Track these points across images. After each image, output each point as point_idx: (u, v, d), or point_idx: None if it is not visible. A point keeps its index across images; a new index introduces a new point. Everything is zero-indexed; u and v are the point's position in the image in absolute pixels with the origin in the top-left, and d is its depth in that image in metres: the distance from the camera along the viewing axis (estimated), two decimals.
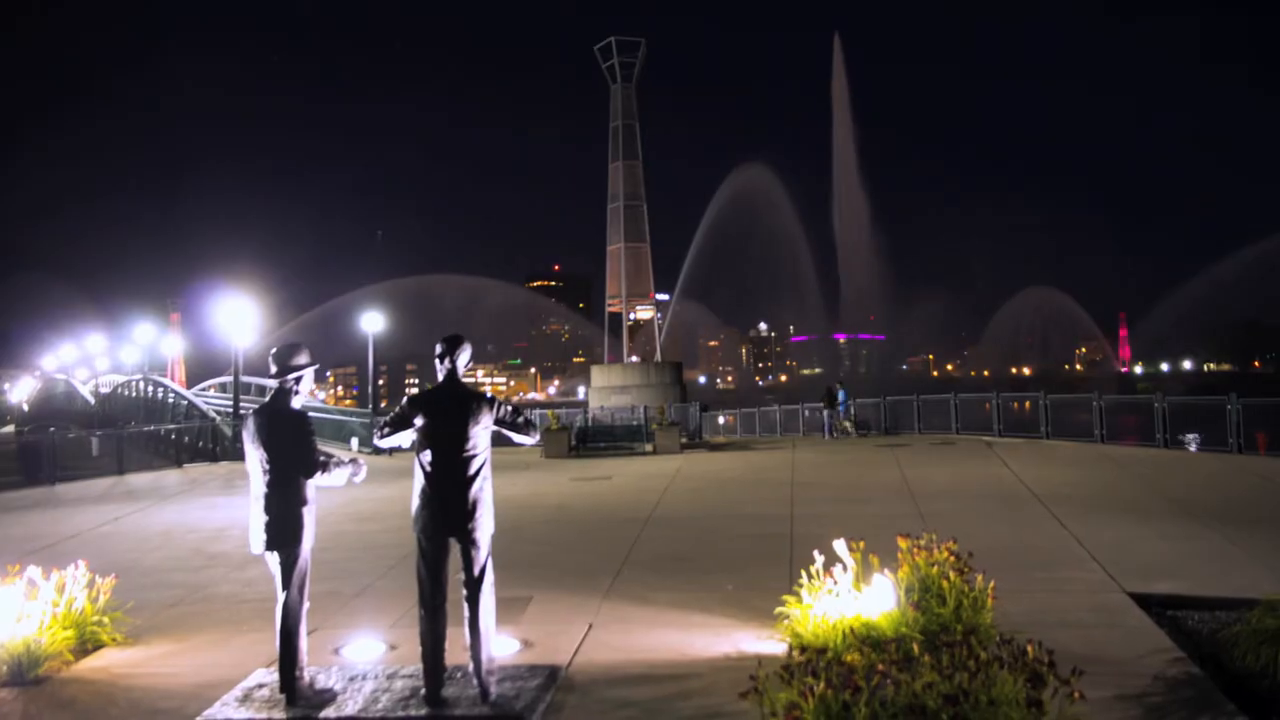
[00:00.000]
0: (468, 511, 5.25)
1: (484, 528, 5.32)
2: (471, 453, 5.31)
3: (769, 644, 6.22)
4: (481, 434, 5.37)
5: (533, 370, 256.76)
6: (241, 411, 31.10)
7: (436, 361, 5.51)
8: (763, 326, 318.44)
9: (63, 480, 21.18)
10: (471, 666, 5.31)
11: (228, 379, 43.33)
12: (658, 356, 53.59)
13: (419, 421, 5.37)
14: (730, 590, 8.02)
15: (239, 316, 29.70)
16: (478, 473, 5.32)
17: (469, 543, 5.29)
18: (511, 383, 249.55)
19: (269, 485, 5.35)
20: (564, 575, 8.96)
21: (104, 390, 58.21)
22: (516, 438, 5.59)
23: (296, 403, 5.55)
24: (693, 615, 7.24)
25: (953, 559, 6.21)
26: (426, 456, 5.32)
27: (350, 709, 5.19)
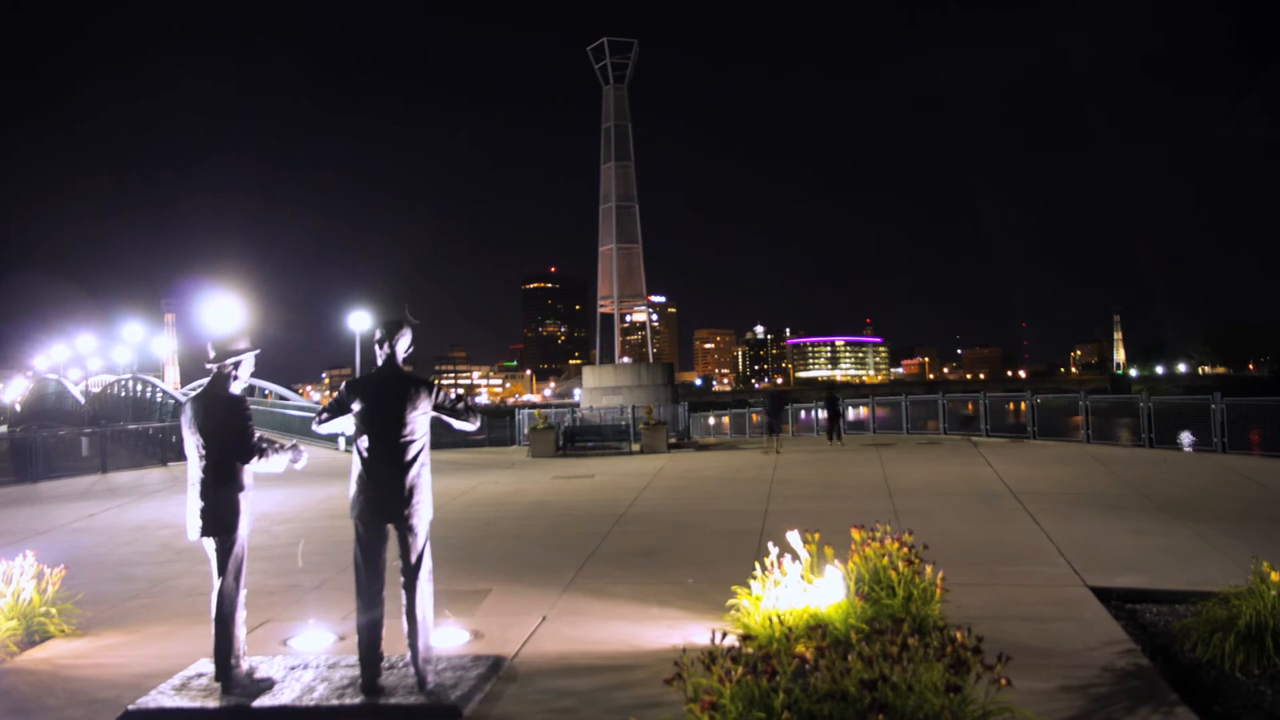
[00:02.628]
0: (404, 498, 5.19)
1: (421, 514, 5.26)
2: (409, 438, 5.24)
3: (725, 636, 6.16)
4: (420, 420, 5.31)
5: (528, 372, 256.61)
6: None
7: (375, 346, 5.45)
8: (759, 329, 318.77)
9: (47, 478, 21.22)
10: (409, 655, 5.25)
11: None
12: (650, 358, 53.60)
13: (356, 407, 5.31)
14: (691, 584, 7.96)
15: (227, 315, 29.63)
16: (415, 458, 5.25)
17: (406, 529, 5.22)
18: (507, 384, 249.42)
19: (205, 471, 5.29)
20: (528, 569, 8.89)
21: (94, 390, 58.05)
22: (457, 424, 5.53)
23: (236, 388, 5.49)
24: (649, 608, 7.18)
25: (905, 550, 6.15)
26: (364, 442, 5.26)
27: (285, 697, 5.12)
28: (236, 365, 5.46)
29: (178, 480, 20.16)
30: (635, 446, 25.46)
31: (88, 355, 66.17)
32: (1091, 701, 4.91)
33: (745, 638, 4.07)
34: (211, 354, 5.45)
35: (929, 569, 5.99)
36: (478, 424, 5.66)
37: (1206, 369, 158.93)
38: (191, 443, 5.36)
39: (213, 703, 5.09)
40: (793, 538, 6.24)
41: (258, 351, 5.56)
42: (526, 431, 28.09)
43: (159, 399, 37.57)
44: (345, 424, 5.41)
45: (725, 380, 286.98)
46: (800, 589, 5.80)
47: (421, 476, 5.28)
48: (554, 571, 8.66)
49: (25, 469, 21.67)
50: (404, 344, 5.49)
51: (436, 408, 5.40)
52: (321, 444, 26.84)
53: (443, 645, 6.24)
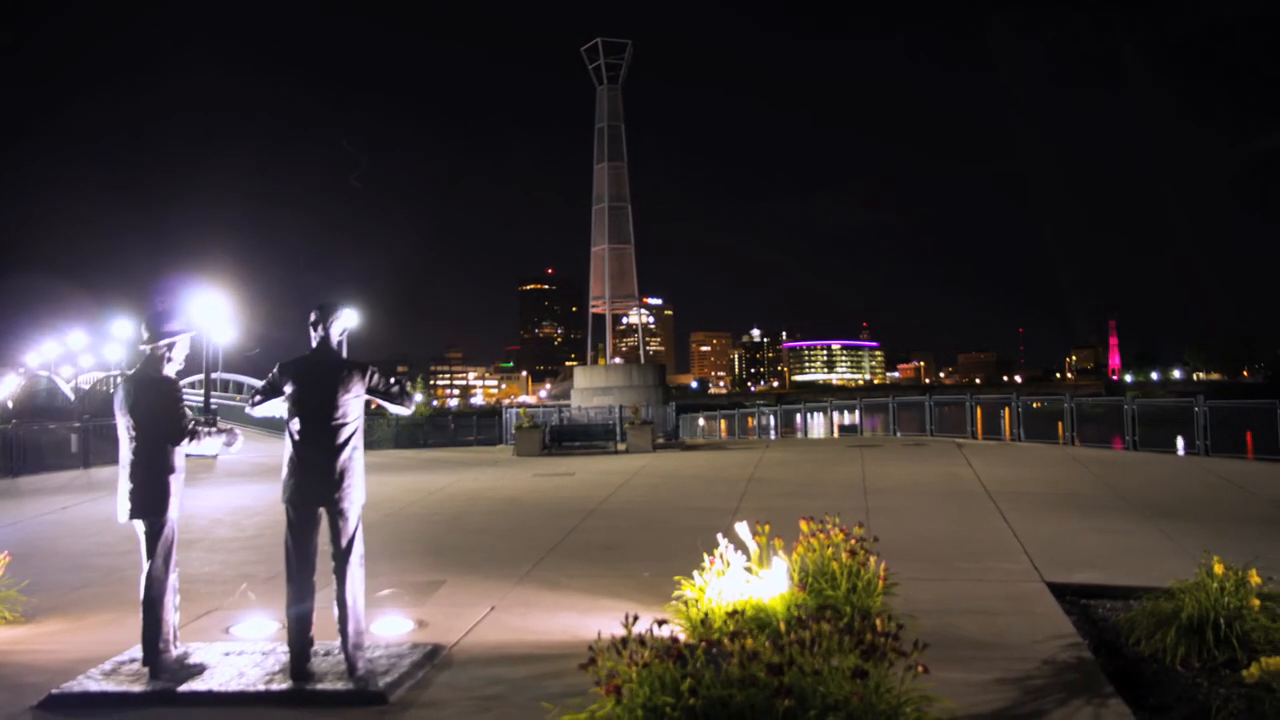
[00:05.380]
0: (335, 481, 5.13)
1: (352, 498, 5.20)
2: (341, 421, 5.19)
3: (667, 628, 6.09)
4: (352, 403, 5.25)
5: (524, 373, 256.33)
6: (212, 407, 30.99)
7: (310, 329, 5.39)
8: (755, 332, 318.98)
9: (29, 473, 21.25)
10: (339, 641, 5.19)
11: (212, 375, 42.99)
12: (642, 359, 53.67)
13: (288, 389, 5.26)
14: (647, 577, 7.89)
15: (214, 312, 29.55)
16: (347, 441, 5.20)
17: (336, 513, 5.17)
18: (503, 385, 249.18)
19: (135, 452, 5.24)
20: (487, 562, 8.84)
21: (84, 387, 57.95)
22: (391, 407, 5.48)
23: (170, 370, 5.43)
24: (601, 600, 7.12)
25: (852, 542, 6.09)
26: (295, 425, 5.21)
27: (213, 682, 5.05)
28: (170, 347, 5.40)
29: None
30: (621, 446, 25.43)
31: (79, 352, 66.05)
32: (1025, 693, 4.86)
33: (661, 622, 4.00)
34: (145, 335, 5.39)
35: (873, 560, 5.94)
36: (412, 408, 5.62)
37: (1201, 375, 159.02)
38: (122, 424, 5.31)
39: (138, 687, 5.02)
40: (741, 529, 6.19)
41: (193, 334, 5.51)
42: (513, 430, 28.05)
43: None
44: (279, 407, 5.35)
45: (721, 383, 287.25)
46: (743, 580, 5.74)
47: (353, 460, 5.22)
48: (512, 564, 8.61)
49: (7, 463, 21.73)
50: (339, 326, 5.43)
51: (370, 390, 5.35)
52: None
53: (386, 634, 6.21)
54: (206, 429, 5.38)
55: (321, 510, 5.22)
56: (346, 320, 5.48)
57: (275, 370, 5.36)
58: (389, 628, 6.32)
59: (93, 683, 5.12)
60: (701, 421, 41.04)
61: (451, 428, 37.08)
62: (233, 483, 18.26)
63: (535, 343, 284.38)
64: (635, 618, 4.00)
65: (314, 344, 5.38)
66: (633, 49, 47.54)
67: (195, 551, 10.03)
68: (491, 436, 34.24)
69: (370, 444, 31.43)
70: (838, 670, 3.59)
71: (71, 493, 16.88)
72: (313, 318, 5.38)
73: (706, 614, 4.54)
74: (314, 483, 5.14)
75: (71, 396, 57.47)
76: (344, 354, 5.55)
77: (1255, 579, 5.52)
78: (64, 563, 9.43)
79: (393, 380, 5.49)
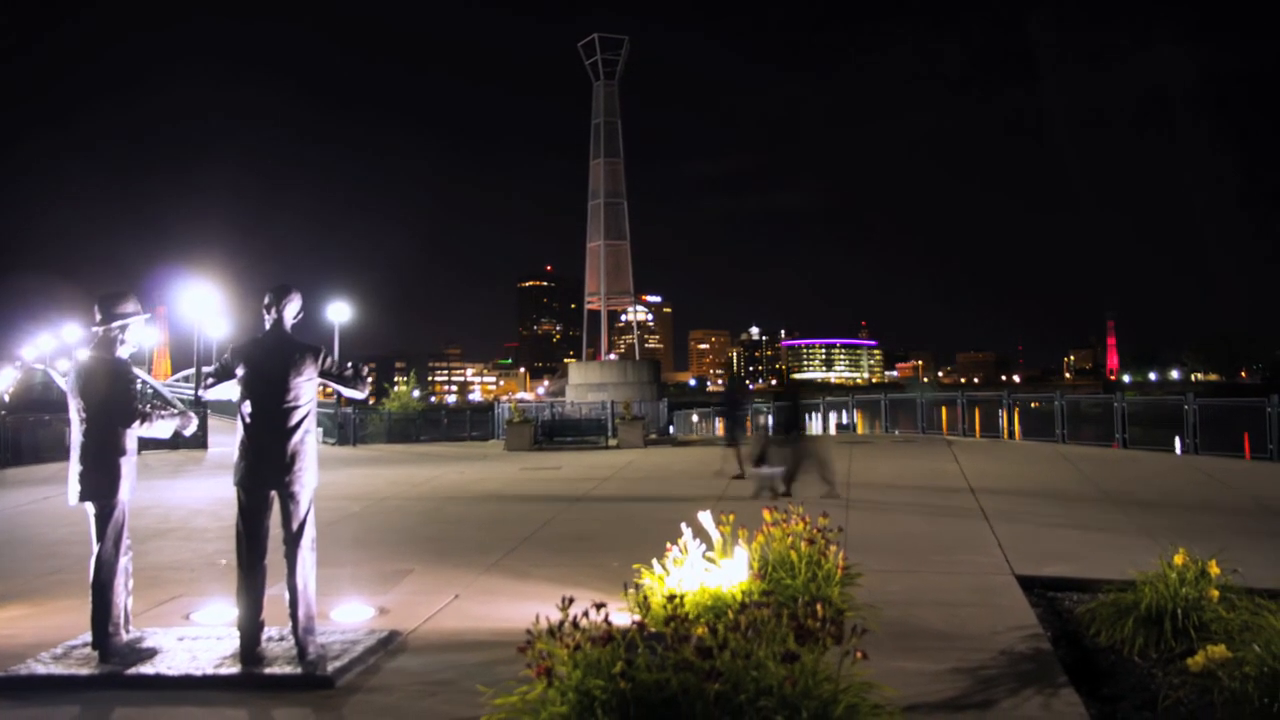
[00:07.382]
0: (286, 464, 5.09)
1: (303, 481, 5.16)
2: (293, 404, 5.15)
3: (603, 612, 6.06)
4: (305, 385, 5.21)
5: (522, 370, 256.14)
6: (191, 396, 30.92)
7: (264, 312, 5.35)
8: (754, 330, 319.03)
9: (18, 464, 21.29)
10: (290, 626, 5.15)
11: (205, 367, 42.99)
12: (637, 355, 53.68)
13: (240, 372, 5.22)
14: (615, 567, 7.84)
15: (206, 305, 29.62)
16: (299, 424, 5.16)
17: (287, 496, 5.13)
18: (501, 382, 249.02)
19: (85, 435, 5.20)
20: (458, 552, 8.80)
21: None
22: (345, 391, 5.44)
23: (123, 353, 5.38)
24: (565, 589, 6.97)
25: (814, 531, 6.06)
26: (246, 408, 5.17)
27: (162, 666, 5.01)
28: (124, 329, 5.36)
29: (147, 467, 20.03)
30: (612, 442, 25.45)
31: (74, 346, 65.97)
32: (978, 682, 4.82)
33: (599, 606, 3.97)
34: (98, 316, 5.35)
35: (832, 550, 5.91)
36: (365, 391, 5.58)
37: (1199, 376, 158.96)
38: (74, 407, 5.27)
39: (86, 670, 4.98)
40: (705, 519, 6.16)
41: (148, 316, 5.47)
42: (505, 425, 28.05)
43: (140, 389, 37.46)
44: (230, 390, 5.31)
45: (720, 381, 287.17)
46: (702, 569, 5.71)
47: (305, 443, 5.18)
48: (483, 554, 8.58)
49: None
50: (292, 309, 5.38)
51: (323, 374, 5.31)
52: None
53: (346, 620, 6.18)
54: (160, 412, 5.34)
55: (273, 494, 5.18)
56: (300, 303, 5.43)
57: (228, 353, 5.32)
58: (350, 614, 6.30)
59: (41, 666, 5.08)
60: (695, 418, 41.04)
61: (444, 422, 37.09)
62: (221, 474, 18.22)
63: (534, 340, 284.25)
64: (571, 600, 3.97)
65: (267, 326, 5.33)
66: (629, 45, 47.46)
67: (170, 540, 10.01)
68: (485, 432, 34.26)
69: (362, 438, 31.42)
70: (775, 655, 3.55)
71: (56, 483, 16.79)
72: (266, 301, 5.34)
73: (645, 598, 4.51)
74: (265, 466, 5.11)
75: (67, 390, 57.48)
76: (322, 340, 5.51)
77: (1215, 570, 5.48)
78: (35, 550, 9.41)
79: (346, 363, 5.45)
